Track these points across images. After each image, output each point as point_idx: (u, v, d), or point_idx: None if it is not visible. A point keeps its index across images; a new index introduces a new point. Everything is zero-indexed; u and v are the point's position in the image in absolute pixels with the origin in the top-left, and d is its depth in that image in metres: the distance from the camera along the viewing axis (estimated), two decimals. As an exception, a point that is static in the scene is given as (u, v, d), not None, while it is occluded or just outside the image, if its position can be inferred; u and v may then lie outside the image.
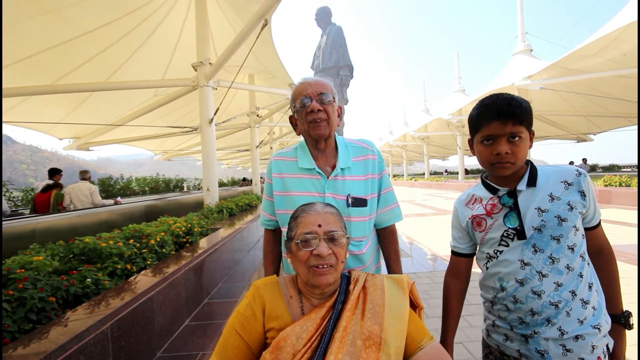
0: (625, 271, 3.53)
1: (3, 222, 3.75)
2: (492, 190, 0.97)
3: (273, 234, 1.29)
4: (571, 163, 13.96)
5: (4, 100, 7.80)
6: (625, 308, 0.95)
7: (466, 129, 20.84)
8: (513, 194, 0.93)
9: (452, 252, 1.11)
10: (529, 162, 0.96)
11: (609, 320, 0.91)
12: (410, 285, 0.90)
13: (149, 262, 2.69)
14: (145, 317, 2.13)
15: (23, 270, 1.87)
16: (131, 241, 2.69)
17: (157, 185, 14.50)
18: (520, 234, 0.91)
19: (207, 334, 2.54)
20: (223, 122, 8.91)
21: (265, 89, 10.11)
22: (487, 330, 1.04)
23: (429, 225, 7.72)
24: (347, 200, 1.10)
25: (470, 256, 1.08)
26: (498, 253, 0.96)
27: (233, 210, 6.19)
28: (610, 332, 0.91)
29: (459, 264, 1.09)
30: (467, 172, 29.27)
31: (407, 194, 18.35)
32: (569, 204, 0.89)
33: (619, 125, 17.96)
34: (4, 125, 8.39)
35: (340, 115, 1.17)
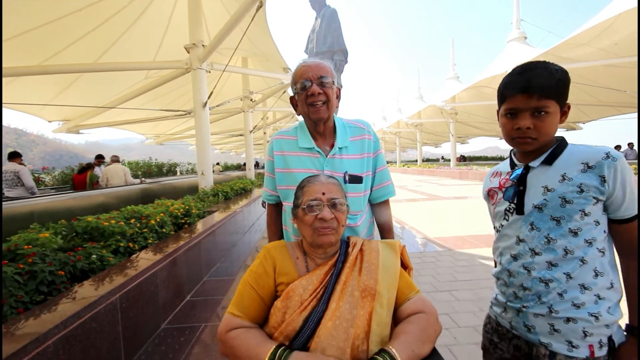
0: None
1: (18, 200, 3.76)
2: (513, 166, 0.98)
3: (275, 208, 1.38)
4: (617, 147, 12.03)
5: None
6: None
7: (459, 117, 20.72)
8: (526, 169, 0.93)
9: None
10: (560, 139, 0.91)
11: (619, 314, 0.85)
12: (401, 248, 1.01)
13: (150, 241, 2.77)
14: (150, 291, 2.23)
15: (30, 246, 1.93)
16: (132, 221, 2.76)
17: (150, 169, 14.40)
18: (518, 208, 0.92)
19: (207, 308, 2.66)
20: (217, 106, 8.81)
21: (260, 72, 10.00)
22: (491, 302, 1.08)
23: (420, 210, 7.92)
24: (345, 177, 1.18)
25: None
26: (501, 227, 0.99)
27: (228, 194, 6.26)
28: (624, 343, 0.85)
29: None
30: (464, 159, 29.57)
31: (399, 180, 18.57)
32: (579, 187, 0.84)
33: (608, 114, 18.28)
34: None
35: (338, 97, 1.22)
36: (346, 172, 1.19)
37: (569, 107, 0.89)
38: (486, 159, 32.70)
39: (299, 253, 0.99)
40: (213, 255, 3.68)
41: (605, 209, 0.86)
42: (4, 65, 6.57)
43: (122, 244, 2.43)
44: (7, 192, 5.13)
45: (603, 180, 0.83)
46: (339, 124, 1.24)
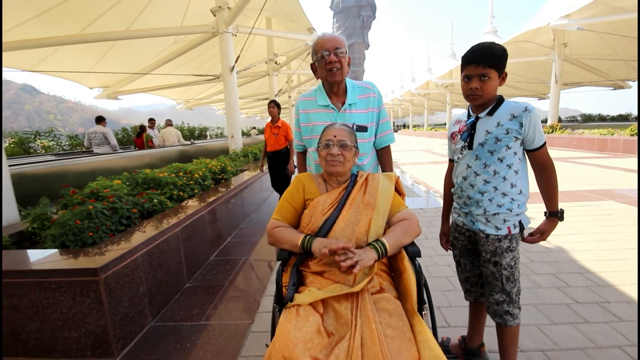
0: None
1: (84, 157, 4.39)
2: (469, 116, 1.33)
3: (303, 155, 1.75)
4: None
5: (39, 50, 8.20)
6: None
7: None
8: (476, 119, 1.29)
9: (449, 159, 1.53)
10: (500, 98, 1.26)
11: (524, 208, 1.29)
12: (396, 178, 1.33)
13: (196, 191, 3.24)
14: (201, 229, 2.72)
15: (108, 190, 2.41)
16: (180, 174, 3.22)
17: (183, 133, 15.15)
18: (469, 145, 1.30)
19: (246, 246, 3.16)
20: (243, 70, 9.00)
21: (285, 34, 9.92)
22: (452, 213, 1.50)
23: (442, 172, 8.00)
24: (353, 127, 1.48)
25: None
26: (458, 159, 1.38)
27: (257, 155, 6.68)
28: (547, 221, 1.28)
29: (451, 166, 1.51)
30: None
31: (425, 144, 18.28)
32: (507, 130, 1.22)
33: (663, 70, 16.49)
34: (29, 74, 9.21)
35: (349, 64, 1.52)
36: (354, 123, 1.50)
37: (506, 75, 1.24)
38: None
39: (321, 180, 1.35)
40: (246, 208, 4.17)
41: (522, 143, 1.25)
42: (49, 35, 7.06)
43: (174, 192, 2.90)
44: (95, 149, 6.17)
45: (521, 125, 1.21)
46: (349, 85, 1.52)
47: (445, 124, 31.25)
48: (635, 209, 3.83)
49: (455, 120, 1.43)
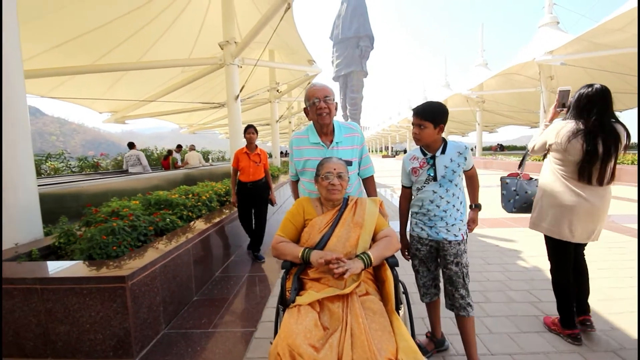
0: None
1: (96, 180, 4.66)
2: (424, 154, 1.72)
3: (296, 183, 2.04)
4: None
5: (56, 78, 8.71)
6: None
7: (487, 105, 20.07)
8: (433, 158, 1.68)
9: (402, 185, 1.87)
10: (444, 140, 1.69)
11: (465, 217, 1.72)
12: (380, 202, 1.63)
13: (203, 212, 3.51)
14: (209, 247, 2.96)
15: (127, 209, 2.69)
16: (190, 195, 3.50)
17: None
18: (434, 178, 1.68)
19: (249, 263, 3.39)
20: (247, 97, 9.52)
21: (287, 65, 10.55)
22: (412, 227, 1.80)
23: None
24: None
25: (410, 187, 1.83)
26: (423, 187, 1.72)
27: (258, 179, 6.96)
28: (473, 211, 1.80)
29: (406, 192, 1.87)
30: (502, 147, 29.42)
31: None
32: (458, 164, 1.66)
33: (647, 102, 17.33)
34: (34, 97, 9.85)
35: (336, 108, 1.85)
36: (340, 158, 1.78)
37: (442, 127, 1.64)
38: (523, 148, 31.42)
39: (318, 203, 1.64)
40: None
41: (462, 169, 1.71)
42: (66, 64, 7.58)
43: (185, 213, 3.17)
44: (130, 169, 7.68)
45: (465, 158, 1.67)
46: (336, 126, 1.84)
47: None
48: (612, 233, 4.10)
49: (411, 157, 1.79)
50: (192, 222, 3.18)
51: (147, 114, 12.64)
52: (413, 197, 1.79)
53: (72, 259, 2.19)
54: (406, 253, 1.87)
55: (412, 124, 1.67)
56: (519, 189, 2.23)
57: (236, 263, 3.45)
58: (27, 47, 7.46)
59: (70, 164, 8.12)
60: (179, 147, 10.98)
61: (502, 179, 2.35)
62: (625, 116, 19.84)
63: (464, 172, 1.73)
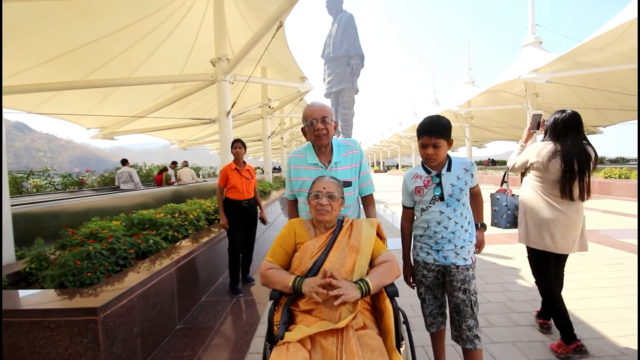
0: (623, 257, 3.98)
1: (81, 198, 4.46)
2: (428, 172, 1.60)
3: (293, 203, 1.90)
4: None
5: (43, 93, 8.55)
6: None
7: (475, 121, 20.47)
8: (439, 175, 1.56)
9: (403, 206, 1.75)
10: (448, 156, 1.58)
11: (474, 239, 1.61)
12: (378, 224, 1.48)
13: (190, 232, 3.34)
14: (194, 269, 2.79)
15: (106, 231, 2.52)
16: (176, 214, 3.34)
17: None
18: (441, 198, 1.56)
19: (239, 286, 3.20)
20: (239, 114, 9.48)
21: (279, 82, 10.61)
22: (417, 251, 1.66)
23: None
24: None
25: (412, 208, 1.71)
26: (428, 208, 1.60)
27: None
28: (480, 231, 1.69)
29: (407, 213, 1.74)
30: (493, 162, 29.90)
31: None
32: (465, 181, 1.55)
33: (628, 118, 17.87)
34: (20, 113, 9.66)
35: (335, 128, 1.76)
36: (340, 180, 1.67)
37: (451, 142, 1.56)
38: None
39: (310, 225, 1.51)
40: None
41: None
42: (54, 80, 7.44)
43: (170, 233, 3.00)
44: (122, 186, 7.61)
45: (472, 175, 1.57)
46: (335, 145, 1.74)
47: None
48: (609, 248, 4.05)
49: (414, 175, 1.66)
50: (178, 243, 3.01)
51: (136, 130, 12.46)
52: (416, 218, 1.68)
53: (42, 287, 2.00)
54: (410, 280, 1.74)
55: (423, 144, 1.54)
56: (509, 204, 2.28)
57: (224, 285, 3.27)
58: (13, 63, 7.33)
59: (54, 181, 7.83)
60: (174, 163, 10.94)
61: (492, 195, 2.36)
62: (609, 131, 20.42)
63: (471, 189, 1.63)
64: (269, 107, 12.14)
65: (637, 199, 8.72)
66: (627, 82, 13.66)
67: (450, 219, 1.55)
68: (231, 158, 3.51)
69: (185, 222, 3.37)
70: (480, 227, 1.69)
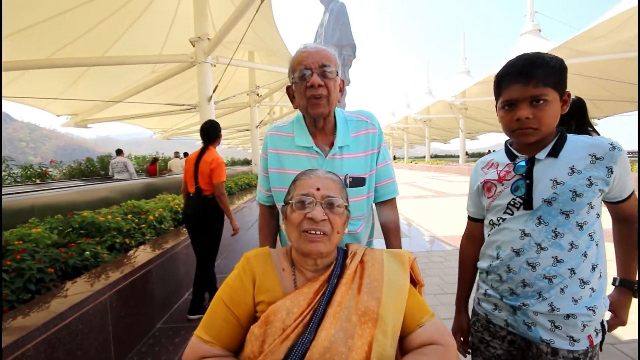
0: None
1: (20, 194, 3.75)
2: (512, 157, 0.91)
3: (270, 210, 1.21)
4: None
5: (5, 74, 7.64)
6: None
7: (469, 112, 20.25)
8: (531, 162, 0.86)
9: (468, 216, 1.08)
10: (560, 131, 0.87)
11: (607, 303, 0.88)
12: (412, 261, 0.82)
13: (147, 237, 2.71)
14: (145, 289, 2.16)
15: (21, 242, 1.87)
16: (129, 216, 2.69)
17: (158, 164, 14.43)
18: (526, 203, 0.85)
19: (208, 301, 2.59)
20: (223, 100, 8.75)
21: (266, 66, 9.87)
22: (478, 298, 1.02)
23: (428, 207, 7.75)
24: (345, 180, 1.02)
25: (482, 221, 1.03)
26: (501, 220, 0.91)
27: (232, 189, 6.19)
28: (618, 292, 0.92)
29: (474, 228, 1.05)
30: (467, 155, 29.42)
31: (407, 177, 18.34)
32: (589, 180, 0.80)
33: (624, 110, 17.69)
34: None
35: (342, 90, 1.04)
36: (347, 174, 1.03)
37: (569, 95, 0.85)
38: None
39: (286, 264, 0.80)
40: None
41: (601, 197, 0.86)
42: (16, 58, 6.58)
43: (118, 240, 2.37)
44: (116, 176, 7.33)
45: (610, 171, 0.81)
46: (340, 119, 1.08)
47: (424, 157, 31.99)
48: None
49: (487, 163, 0.99)
50: (130, 252, 2.38)
51: (113, 118, 11.58)
52: (486, 238, 1.00)
53: None
54: (461, 342, 1.09)
55: (508, 102, 0.83)
56: None
57: (188, 304, 2.65)
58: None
59: (13, 173, 7.00)
60: (176, 154, 11.06)
61: None
62: (603, 123, 20.29)
63: (610, 204, 0.89)
64: (257, 94, 11.39)
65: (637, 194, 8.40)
66: (626, 71, 13.33)
67: (543, 248, 0.84)
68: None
69: (143, 225, 2.73)
70: (623, 286, 0.92)
